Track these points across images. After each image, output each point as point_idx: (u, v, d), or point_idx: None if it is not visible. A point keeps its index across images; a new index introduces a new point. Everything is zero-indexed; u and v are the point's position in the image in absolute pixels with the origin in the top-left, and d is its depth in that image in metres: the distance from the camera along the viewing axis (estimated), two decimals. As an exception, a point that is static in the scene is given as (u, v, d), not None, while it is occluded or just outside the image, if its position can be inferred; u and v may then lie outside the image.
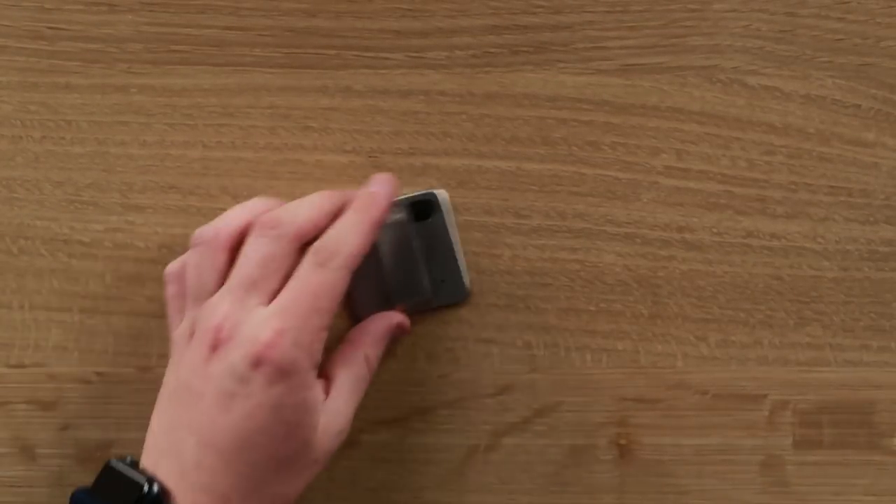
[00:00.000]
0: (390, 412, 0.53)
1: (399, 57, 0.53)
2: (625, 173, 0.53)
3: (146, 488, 0.43)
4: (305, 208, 0.47)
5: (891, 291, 0.53)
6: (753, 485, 0.53)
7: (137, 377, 0.53)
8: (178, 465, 0.44)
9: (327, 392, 0.47)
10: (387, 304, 0.51)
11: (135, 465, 0.45)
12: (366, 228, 0.47)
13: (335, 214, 0.48)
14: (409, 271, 0.52)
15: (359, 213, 0.48)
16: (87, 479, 0.52)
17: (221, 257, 0.47)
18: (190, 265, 0.48)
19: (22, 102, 0.53)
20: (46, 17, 0.53)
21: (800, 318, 0.53)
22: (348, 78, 0.53)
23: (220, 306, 0.45)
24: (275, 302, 0.45)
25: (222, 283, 0.46)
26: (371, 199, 0.48)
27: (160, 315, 0.53)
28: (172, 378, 0.47)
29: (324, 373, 0.47)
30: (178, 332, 0.47)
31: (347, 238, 0.46)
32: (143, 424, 0.53)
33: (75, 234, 0.53)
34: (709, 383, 0.53)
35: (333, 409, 0.47)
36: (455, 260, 0.52)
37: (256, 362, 0.44)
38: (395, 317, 0.51)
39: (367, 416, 0.53)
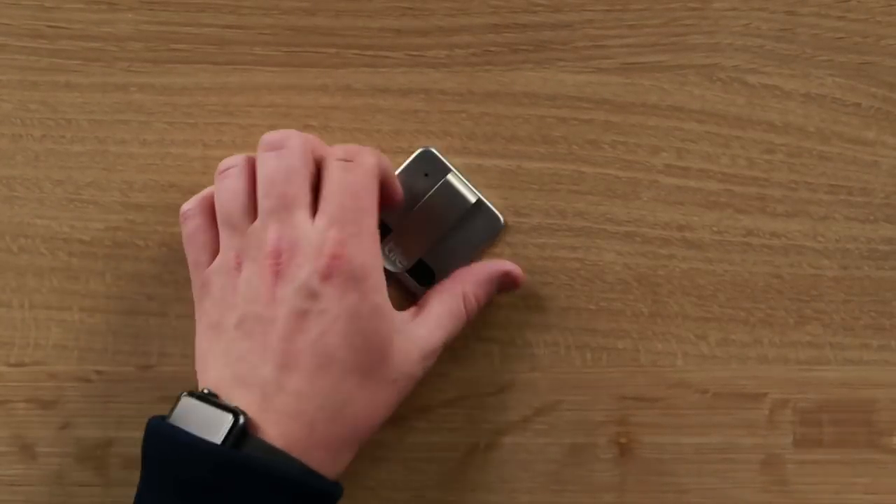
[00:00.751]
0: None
1: (399, 55, 0.53)
2: (625, 172, 0.53)
3: (233, 420, 0.42)
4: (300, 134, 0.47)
5: (891, 290, 0.53)
6: (753, 483, 0.53)
7: (137, 376, 0.53)
8: (258, 395, 0.43)
9: (416, 316, 0.47)
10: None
11: (213, 397, 0.44)
12: (371, 150, 0.47)
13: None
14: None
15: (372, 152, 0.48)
16: (86, 477, 0.53)
17: (252, 181, 0.46)
18: (223, 192, 0.47)
19: (22, 101, 0.53)
20: (46, 16, 0.53)
21: (800, 316, 0.53)
22: (348, 76, 0.53)
23: (269, 230, 0.44)
24: (321, 213, 0.44)
25: (255, 207, 0.46)
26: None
27: (160, 313, 0.53)
28: (218, 312, 0.46)
29: (419, 302, 0.48)
30: (217, 265, 0.46)
31: (360, 149, 0.47)
32: (143, 423, 0.53)
33: (75, 233, 0.53)
34: (709, 382, 0.54)
35: (416, 332, 0.46)
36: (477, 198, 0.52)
37: (326, 275, 0.43)
38: (506, 264, 0.51)
39: (367, 415, 0.53)
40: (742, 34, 0.53)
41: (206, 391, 0.44)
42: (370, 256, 0.44)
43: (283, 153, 0.45)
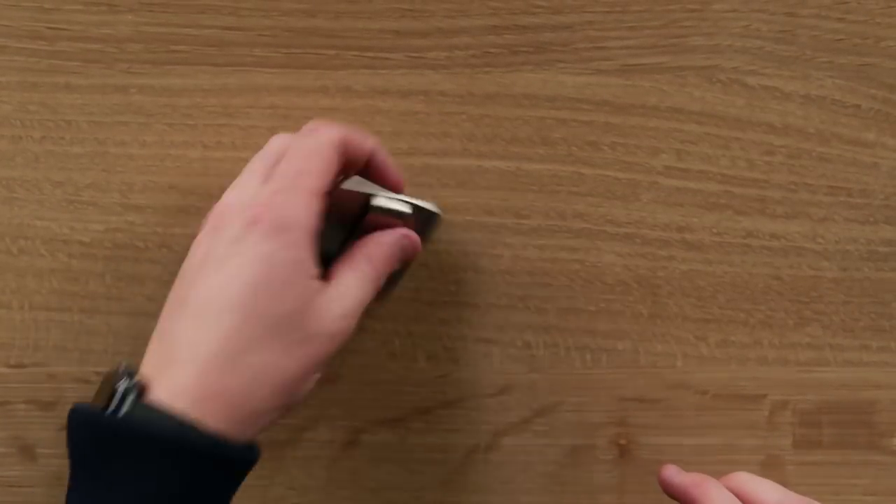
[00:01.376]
0: (390, 412, 0.53)
1: (399, 57, 0.53)
2: (624, 173, 0.53)
3: (125, 383, 0.41)
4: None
5: (890, 291, 0.53)
6: (753, 485, 0.53)
7: (137, 377, 0.53)
8: (159, 353, 0.42)
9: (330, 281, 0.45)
10: None
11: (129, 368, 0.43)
12: (340, 126, 0.47)
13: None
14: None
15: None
16: (86, 479, 0.53)
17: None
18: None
19: (22, 102, 0.53)
20: (46, 17, 0.53)
21: (799, 318, 0.53)
22: (348, 78, 0.53)
23: (222, 198, 0.46)
24: (296, 153, 0.45)
25: None
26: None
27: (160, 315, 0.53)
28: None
29: (330, 274, 0.45)
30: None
31: (329, 123, 0.47)
32: (143, 424, 0.53)
33: (75, 235, 0.53)
34: (708, 383, 0.54)
35: (335, 292, 0.44)
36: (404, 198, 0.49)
37: (252, 222, 0.42)
38: (401, 229, 0.48)
39: (367, 416, 0.53)
40: (742, 36, 0.53)
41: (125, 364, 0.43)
42: (299, 210, 0.43)
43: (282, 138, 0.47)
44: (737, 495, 0.46)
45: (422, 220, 0.49)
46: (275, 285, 0.42)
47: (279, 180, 0.44)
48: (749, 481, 0.47)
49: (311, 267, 0.43)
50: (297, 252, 0.43)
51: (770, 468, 0.53)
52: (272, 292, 0.42)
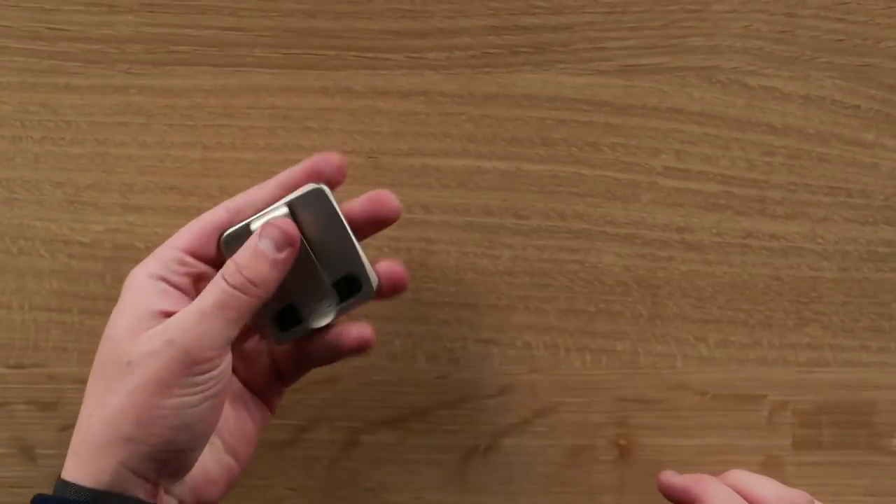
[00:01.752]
0: (390, 413, 0.53)
1: (399, 58, 0.53)
2: (624, 174, 0.53)
3: None
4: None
5: (890, 292, 0.53)
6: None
7: (137, 378, 0.53)
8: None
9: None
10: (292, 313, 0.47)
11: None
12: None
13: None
14: (307, 273, 0.46)
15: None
16: (86, 479, 0.53)
17: None
18: None
19: (22, 103, 0.53)
20: (46, 18, 0.53)
21: (799, 318, 0.53)
22: (348, 78, 0.53)
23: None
24: None
25: None
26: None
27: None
28: None
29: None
30: None
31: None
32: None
33: (75, 235, 0.53)
34: (708, 384, 0.54)
35: (168, 321, 0.43)
36: (357, 255, 0.46)
37: None
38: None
39: (366, 417, 0.53)
40: (742, 36, 0.53)
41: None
42: (135, 270, 0.45)
43: None
44: (735, 491, 0.46)
45: (307, 212, 0.46)
46: (109, 332, 0.45)
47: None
48: (746, 477, 0.48)
49: (128, 303, 0.45)
50: (133, 295, 0.45)
51: (770, 469, 0.53)
52: (108, 339, 0.45)
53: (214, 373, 0.43)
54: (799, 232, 0.53)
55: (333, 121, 0.53)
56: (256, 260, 0.44)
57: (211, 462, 0.45)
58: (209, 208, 0.53)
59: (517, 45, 0.53)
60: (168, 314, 0.43)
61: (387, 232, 0.53)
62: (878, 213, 0.53)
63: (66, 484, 0.43)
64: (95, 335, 0.53)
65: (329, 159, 0.46)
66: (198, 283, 0.45)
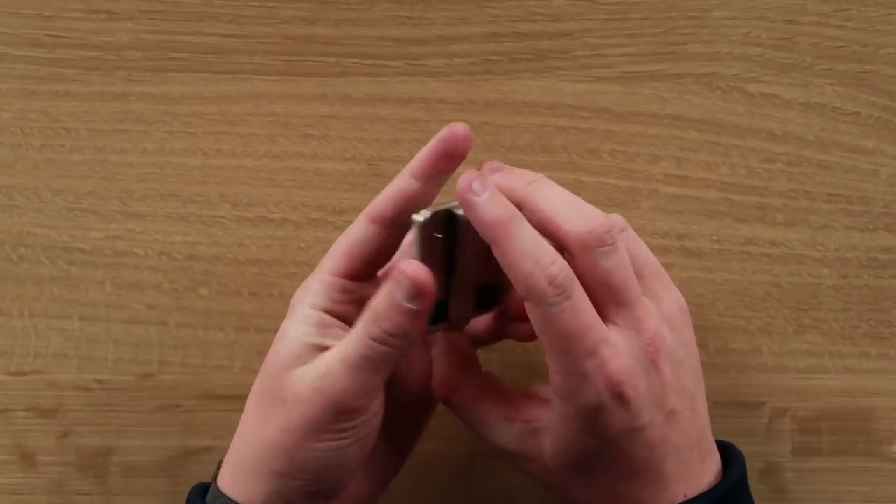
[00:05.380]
0: (390, 419, 0.53)
1: (399, 64, 0.53)
2: (624, 181, 0.53)
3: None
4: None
5: (890, 299, 0.53)
6: (752, 492, 0.53)
7: (137, 384, 0.53)
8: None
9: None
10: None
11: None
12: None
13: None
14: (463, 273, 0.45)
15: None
16: (87, 486, 0.53)
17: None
18: None
19: (21, 110, 0.53)
20: (46, 25, 0.53)
21: (799, 325, 0.53)
22: (348, 85, 0.53)
23: None
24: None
25: None
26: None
27: (160, 322, 0.53)
28: None
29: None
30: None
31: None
32: (143, 431, 0.53)
33: (75, 242, 0.53)
34: (708, 390, 0.53)
35: (319, 362, 0.43)
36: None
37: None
38: (394, 270, 0.43)
39: (366, 424, 0.53)
40: (741, 43, 0.53)
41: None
42: (298, 295, 0.45)
43: None
44: (537, 223, 0.42)
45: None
46: (267, 360, 0.45)
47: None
48: (546, 200, 0.43)
49: (294, 334, 0.44)
50: (285, 325, 0.45)
51: (769, 475, 0.53)
52: (264, 367, 0.45)
53: (363, 417, 0.43)
54: (799, 239, 0.53)
55: (333, 128, 0.53)
56: (392, 311, 0.42)
57: (362, 482, 0.46)
58: (209, 215, 0.53)
59: (517, 52, 0.53)
60: (325, 348, 0.43)
61: (387, 239, 0.53)
62: (878, 219, 0.53)
63: (221, 494, 0.44)
64: (96, 342, 0.53)
65: (455, 133, 0.43)
66: (360, 305, 0.44)
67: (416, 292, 0.42)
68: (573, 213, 0.42)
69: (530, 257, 0.41)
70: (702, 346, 0.53)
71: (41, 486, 0.53)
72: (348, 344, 0.43)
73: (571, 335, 0.41)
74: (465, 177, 0.42)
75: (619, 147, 0.53)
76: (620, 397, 0.42)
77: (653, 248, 0.53)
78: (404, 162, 0.52)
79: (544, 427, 0.44)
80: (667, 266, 0.53)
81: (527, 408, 0.45)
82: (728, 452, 0.47)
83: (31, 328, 0.53)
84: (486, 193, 0.42)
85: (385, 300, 0.42)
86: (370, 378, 0.42)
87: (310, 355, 0.43)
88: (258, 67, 0.53)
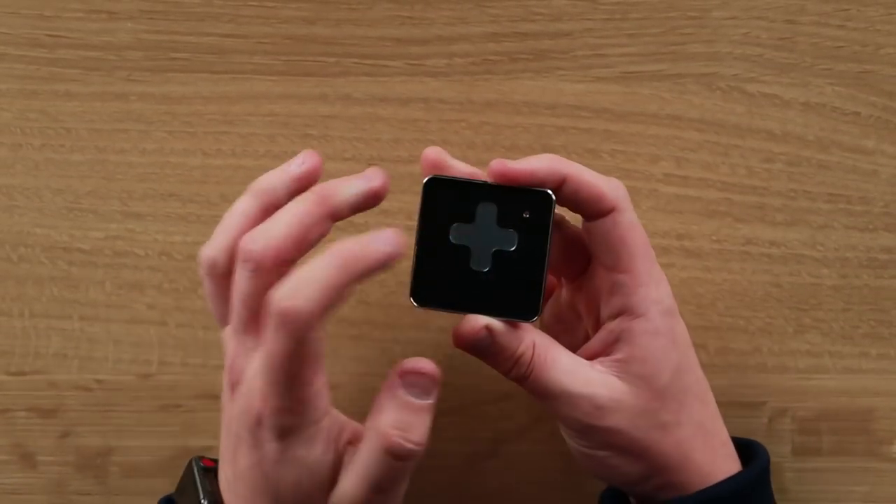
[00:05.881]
0: (390, 419, 0.53)
1: (398, 64, 0.53)
2: (624, 181, 0.52)
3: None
4: (282, 226, 0.40)
5: (890, 299, 0.53)
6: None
7: (137, 384, 0.53)
8: (226, 483, 0.43)
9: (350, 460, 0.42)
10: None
11: (207, 469, 0.45)
12: (337, 283, 0.39)
13: (332, 218, 0.42)
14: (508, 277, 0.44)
15: (336, 259, 0.39)
16: (87, 486, 0.53)
17: (223, 283, 0.42)
18: (204, 291, 0.44)
19: (21, 110, 0.53)
20: (46, 25, 0.53)
21: (799, 325, 0.53)
22: (348, 85, 0.53)
23: (228, 345, 0.42)
24: (259, 356, 0.40)
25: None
26: (360, 248, 0.40)
27: (160, 322, 0.53)
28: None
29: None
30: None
31: (306, 292, 0.38)
32: (143, 431, 0.53)
33: (75, 242, 0.53)
34: (708, 390, 0.54)
35: (341, 487, 0.42)
36: (540, 277, 0.44)
37: (257, 420, 0.41)
38: (406, 364, 0.42)
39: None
40: (741, 43, 0.53)
41: (206, 465, 0.45)
42: (297, 417, 0.40)
43: (246, 274, 0.41)
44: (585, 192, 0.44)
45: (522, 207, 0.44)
46: (285, 484, 0.41)
47: (265, 380, 0.40)
48: (586, 172, 0.45)
49: (315, 461, 0.41)
50: (298, 452, 0.41)
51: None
52: (284, 490, 0.42)
53: None
54: (799, 239, 0.53)
55: (333, 128, 0.53)
56: (418, 417, 0.41)
57: None
58: (209, 215, 0.53)
59: (517, 51, 0.53)
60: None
61: (387, 239, 0.53)
62: (878, 219, 0.53)
63: None
64: (96, 342, 0.53)
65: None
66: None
67: (432, 384, 0.41)
68: (607, 182, 0.45)
69: (601, 177, 0.45)
70: (702, 346, 0.53)
71: (41, 486, 0.53)
72: (362, 476, 0.41)
73: (647, 240, 0.45)
74: None
75: (619, 147, 0.53)
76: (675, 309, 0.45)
77: (653, 248, 0.53)
78: (404, 162, 0.53)
79: (626, 360, 0.44)
80: (667, 266, 0.53)
81: (598, 352, 0.46)
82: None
83: (31, 328, 0.53)
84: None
85: (402, 410, 0.41)
86: (400, 491, 0.42)
87: (320, 475, 0.42)
88: (258, 67, 0.53)
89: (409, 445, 0.40)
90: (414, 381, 0.41)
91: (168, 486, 0.53)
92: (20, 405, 0.53)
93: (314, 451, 0.41)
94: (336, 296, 0.39)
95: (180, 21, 0.53)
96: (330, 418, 0.42)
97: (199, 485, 0.44)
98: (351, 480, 0.41)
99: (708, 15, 0.53)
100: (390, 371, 0.41)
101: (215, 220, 0.53)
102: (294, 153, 0.53)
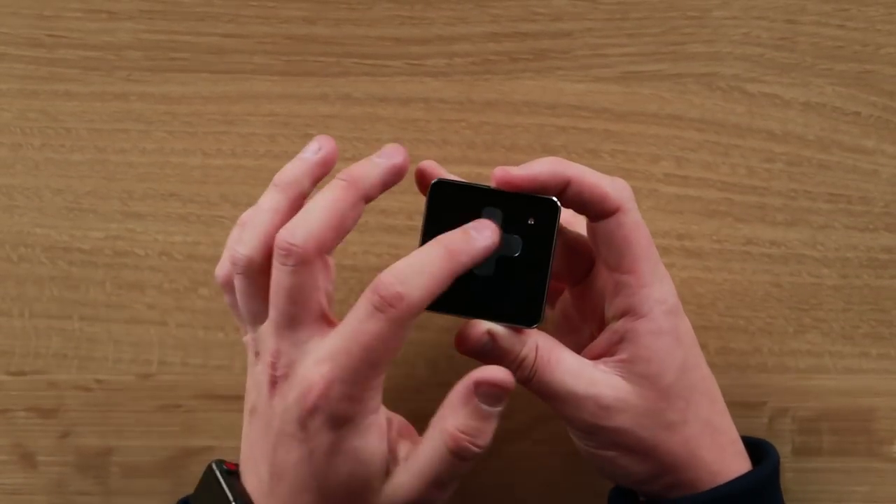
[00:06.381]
0: (390, 419, 0.53)
1: (399, 64, 0.53)
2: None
3: None
4: (319, 216, 0.41)
5: (890, 299, 0.53)
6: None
7: (137, 384, 0.53)
8: (258, 485, 0.43)
9: (407, 458, 0.43)
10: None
11: (230, 472, 0.45)
12: (445, 274, 0.41)
13: (365, 200, 0.43)
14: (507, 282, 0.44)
15: (443, 250, 0.41)
16: (87, 486, 0.53)
17: (259, 282, 0.42)
18: (236, 291, 0.44)
19: (21, 110, 0.53)
20: (46, 25, 0.53)
21: (799, 325, 0.53)
22: (348, 85, 0.53)
23: (270, 341, 0.42)
24: (327, 342, 0.41)
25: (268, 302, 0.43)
26: (464, 240, 0.42)
27: (160, 322, 0.53)
28: (250, 383, 0.45)
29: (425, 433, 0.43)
30: (245, 340, 0.45)
31: (416, 280, 0.40)
32: (143, 431, 0.53)
33: (75, 242, 0.53)
34: (708, 390, 0.54)
35: (396, 480, 0.42)
36: (543, 284, 0.44)
37: (311, 410, 0.41)
38: (478, 373, 0.42)
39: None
40: (742, 43, 0.53)
41: (229, 468, 0.45)
42: (357, 405, 0.41)
43: (289, 269, 0.41)
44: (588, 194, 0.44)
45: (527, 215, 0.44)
46: (334, 477, 0.42)
47: (334, 365, 0.41)
48: (589, 173, 0.44)
49: (371, 453, 0.42)
50: (354, 442, 0.42)
51: (770, 475, 0.53)
52: (332, 483, 0.42)
53: None
54: (799, 239, 0.53)
55: (333, 128, 0.53)
56: (487, 424, 0.42)
57: None
58: (209, 215, 0.53)
59: (517, 51, 0.53)
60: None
61: (388, 238, 0.53)
62: (879, 219, 0.53)
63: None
64: (96, 342, 0.53)
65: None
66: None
67: (504, 393, 0.42)
68: (611, 183, 0.44)
69: (605, 177, 0.44)
70: (702, 345, 0.53)
71: (41, 486, 0.53)
72: (426, 477, 0.42)
73: (651, 240, 0.45)
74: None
75: (619, 147, 0.53)
76: (679, 307, 0.45)
77: (653, 248, 0.53)
78: (404, 162, 0.53)
79: (630, 360, 0.44)
80: (667, 266, 0.53)
81: (602, 352, 0.45)
82: None
83: (32, 328, 0.53)
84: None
85: (475, 417, 0.42)
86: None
87: (375, 467, 0.42)
88: (258, 67, 0.53)
89: (476, 449, 0.42)
90: (488, 391, 0.42)
91: (168, 486, 0.53)
92: (20, 405, 0.53)
93: (370, 442, 0.42)
94: (441, 286, 0.41)
95: (180, 21, 0.53)
96: (382, 410, 0.42)
97: (225, 487, 0.44)
98: (411, 473, 0.42)
99: (708, 15, 0.53)
100: (465, 376, 0.42)
101: (215, 220, 0.53)
102: (294, 153, 0.53)
